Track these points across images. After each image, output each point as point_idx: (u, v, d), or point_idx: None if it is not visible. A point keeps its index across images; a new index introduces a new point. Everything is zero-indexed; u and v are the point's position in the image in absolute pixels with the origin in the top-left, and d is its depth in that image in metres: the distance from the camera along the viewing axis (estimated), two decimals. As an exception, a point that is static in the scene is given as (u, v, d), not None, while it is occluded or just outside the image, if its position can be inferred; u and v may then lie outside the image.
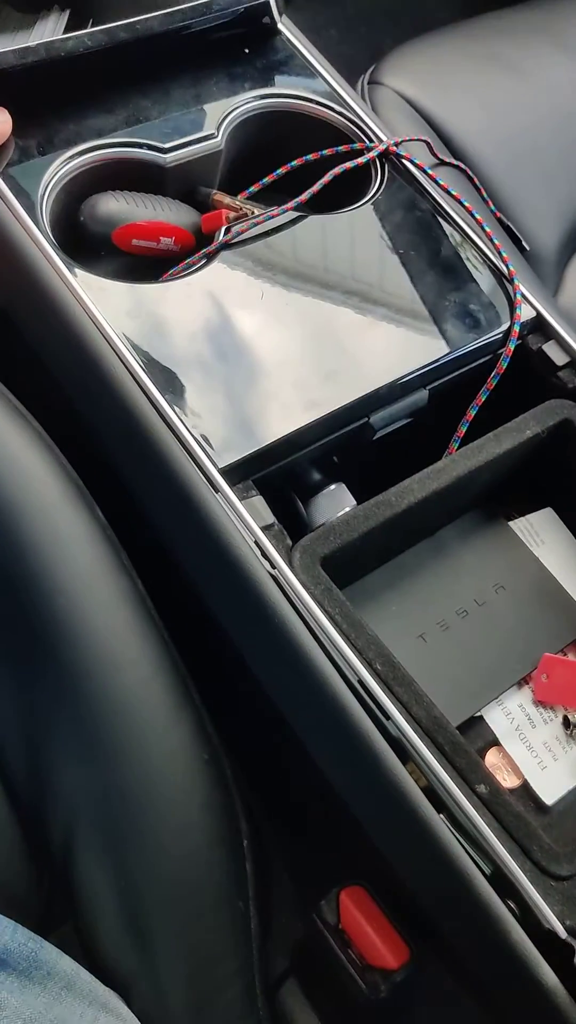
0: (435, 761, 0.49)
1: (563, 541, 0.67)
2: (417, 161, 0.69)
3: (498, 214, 0.83)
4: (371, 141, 0.70)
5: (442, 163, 0.79)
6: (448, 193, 0.68)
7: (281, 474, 0.59)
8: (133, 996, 0.54)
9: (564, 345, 0.64)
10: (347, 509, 0.59)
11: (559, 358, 0.64)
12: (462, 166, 0.81)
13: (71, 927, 0.58)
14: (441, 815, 0.48)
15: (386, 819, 0.49)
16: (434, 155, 0.78)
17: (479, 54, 0.92)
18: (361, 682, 0.50)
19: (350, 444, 0.61)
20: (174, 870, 0.54)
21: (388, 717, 0.49)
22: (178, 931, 0.54)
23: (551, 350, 0.64)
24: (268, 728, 0.60)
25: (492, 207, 0.82)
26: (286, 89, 0.71)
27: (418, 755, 0.49)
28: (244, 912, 0.56)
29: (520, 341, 0.65)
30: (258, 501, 0.54)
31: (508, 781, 0.58)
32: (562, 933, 0.45)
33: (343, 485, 0.62)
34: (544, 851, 0.48)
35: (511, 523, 0.67)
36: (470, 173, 0.81)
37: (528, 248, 0.84)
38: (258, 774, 0.64)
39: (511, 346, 0.64)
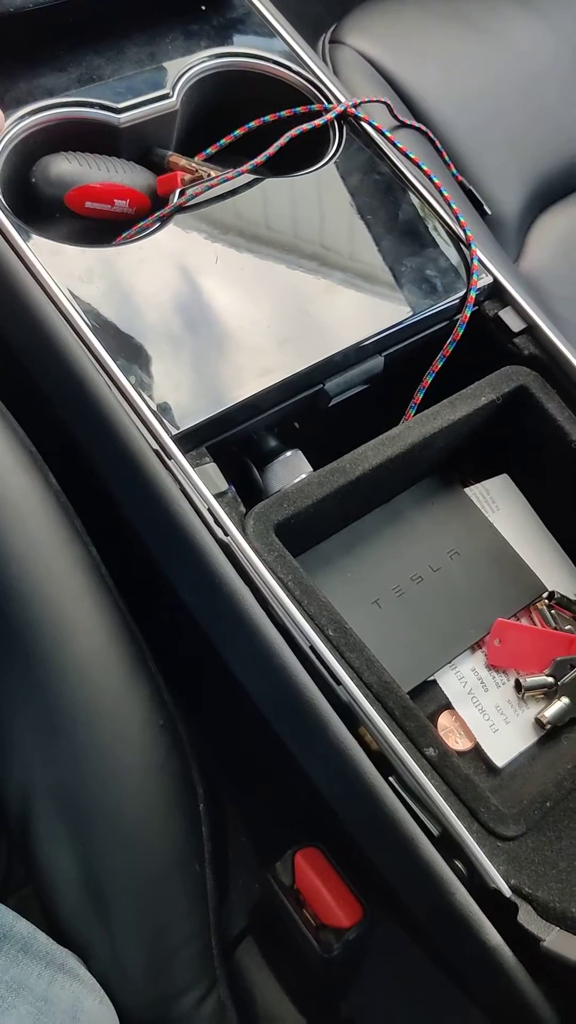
0: (385, 725, 0.49)
1: (518, 507, 0.67)
2: (376, 123, 0.69)
3: (459, 177, 0.82)
4: (329, 102, 0.69)
5: (403, 125, 0.79)
6: (407, 156, 0.68)
7: (236, 441, 0.59)
8: (91, 957, 0.55)
9: (520, 311, 0.64)
10: (303, 476, 0.59)
11: (515, 324, 0.64)
12: (423, 128, 0.80)
13: (31, 889, 0.59)
14: (391, 778, 0.49)
15: (337, 783, 0.50)
16: (395, 117, 0.77)
17: (443, 13, 0.90)
18: (313, 648, 0.50)
19: (306, 411, 0.61)
20: (129, 834, 0.54)
21: (339, 682, 0.50)
22: (134, 894, 0.55)
23: (507, 316, 0.64)
24: (226, 694, 0.61)
25: (453, 170, 0.82)
26: (243, 48, 0.70)
27: (368, 719, 0.49)
28: (200, 874, 0.57)
29: (477, 307, 0.65)
30: (211, 468, 0.54)
31: (460, 744, 0.59)
32: (507, 892, 0.47)
33: (299, 452, 0.62)
34: (491, 812, 0.49)
35: (467, 489, 0.67)
36: (431, 135, 0.80)
37: (490, 212, 0.83)
38: (217, 738, 0.64)
39: (467, 312, 0.63)
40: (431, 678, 0.60)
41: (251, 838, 0.64)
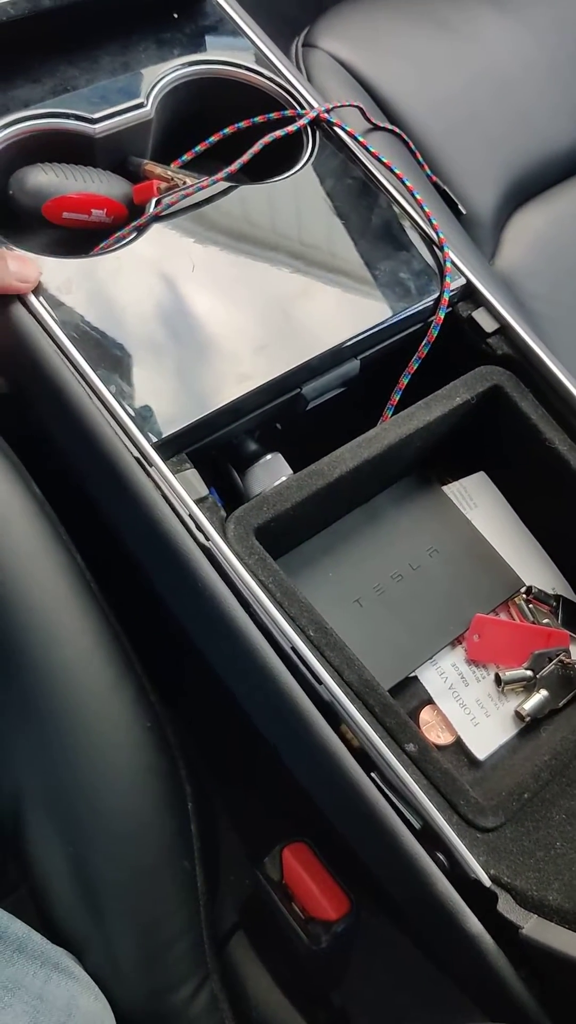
0: (365, 723, 0.50)
1: (495, 504, 0.69)
2: (348, 128, 0.70)
3: (434, 178, 0.83)
4: (302, 108, 0.70)
5: (376, 128, 0.79)
6: (379, 160, 0.68)
7: (217, 446, 0.60)
8: (86, 956, 0.56)
9: (493, 312, 0.66)
10: (283, 479, 0.60)
11: (488, 325, 0.65)
12: (397, 131, 0.81)
13: (26, 890, 0.60)
14: (372, 774, 0.50)
15: (321, 779, 0.51)
16: (368, 120, 0.78)
17: (416, 14, 0.91)
18: (294, 648, 0.51)
19: (284, 415, 0.62)
20: (119, 833, 0.56)
21: (320, 682, 0.51)
22: (125, 891, 0.56)
23: (481, 317, 0.66)
24: (212, 695, 0.62)
25: (428, 171, 0.83)
26: (216, 55, 0.70)
27: (349, 717, 0.50)
28: (190, 871, 0.58)
29: (451, 308, 0.66)
30: (191, 474, 0.55)
31: (442, 738, 0.60)
32: (486, 882, 0.48)
33: (279, 455, 0.63)
34: (471, 805, 0.50)
35: (445, 488, 0.68)
36: (405, 137, 0.81)
37: (464, 212, 0.85)
38: (205, 738, 0.66)
39: (441, 314, 0.65)
40: (412, 674, 0.62)
41: (241, 834, 0.66)
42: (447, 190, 0.83)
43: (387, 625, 0.62)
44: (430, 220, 0.67)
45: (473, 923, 0.46)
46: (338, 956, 0.58)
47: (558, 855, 0.48)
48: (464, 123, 0.88)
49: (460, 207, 0.84)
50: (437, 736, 0.60)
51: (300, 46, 0.86)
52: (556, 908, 0.46)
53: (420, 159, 0.82)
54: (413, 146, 0.82)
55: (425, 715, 0.61)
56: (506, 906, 0.47)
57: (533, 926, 0.46)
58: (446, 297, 0.65)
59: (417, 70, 0.88)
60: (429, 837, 0.50)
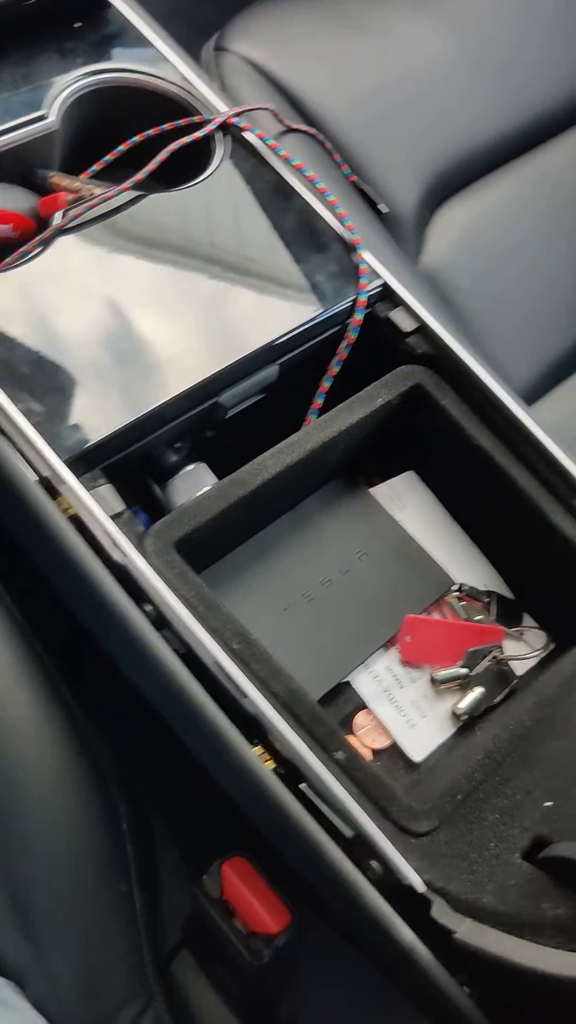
0: (293, 733, 0.50)
1: (425, 502, 0.68)
2: (257, 131, 0.69)
3: (353, 178, 0.83)
4: (210, 113, 0.69)
5: (291, 130, 0.79)
6: (289, 162, 0.68)
7: (136, 459, 0.59)
8: (27, 985, 0.55)
9: (411, 311, 0.65)
10: (207, 489, 0.59)
11: (407, 324, 0.65)
12: (311, 131, 0.80)
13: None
14: (302, 785, 0.50)
15: (247, 796, 0.50)
16: (281, 122, 0.77)
17: (330, 14, 0.91)
18: (217, 663, 0.51)
19: (204, 424, 0.61)
20: (51, 860, 0.55)
21: (245, 695, 0.50)
22: (62, 918, 0.55)
23: (398, 317, 0.65)
24: (142, 714, 0.61)
25: (346, 171, 0.82)
26: (121, 63, 0.69)
27: (276, 729, 0.50)
28: (127, 893, 0.57)
29: (368, 310, 0.65)
30: (106, 490, 0.54)
31: (378, 742, 0.60)
32: (420, 887, 0.47)
33: (203, 465, 0.63)
34: (403, 810, 0.50)
35: (374, 489, 0.68)
36: (321, 138, 0.81)
37: (386, 210, 0.84)
38: (139, 755, 0.65)
39: (358, 316, 0.64)
40: (346, 679, 0.61)
41: (180, 852, 0.65)
42: (367, 189, 0.83)
43: (318, 632, 0.61)
44: (343, 221, 0.67)
45: (405, 932, 0.46)
46: (282, 969, 0.58)
47: (491, 856, 0.48)
48: (383, 121, 0.88)
49: (381, 206, 0.84)
50: (373, 740, 0.60)
51: (212, 50, 0.85)
52: (490, 910, 0.45)
53: (338, 159, 0.82)
54: (330, 146, 0.81)
55: (360, 720, 0.60)
56: (440, 911, 0.46)
57: (467, 930, 0.45)
58: (363, 299, 0.64)
59: (333, 70, 0.88)
60: (362, 845, 0.49)
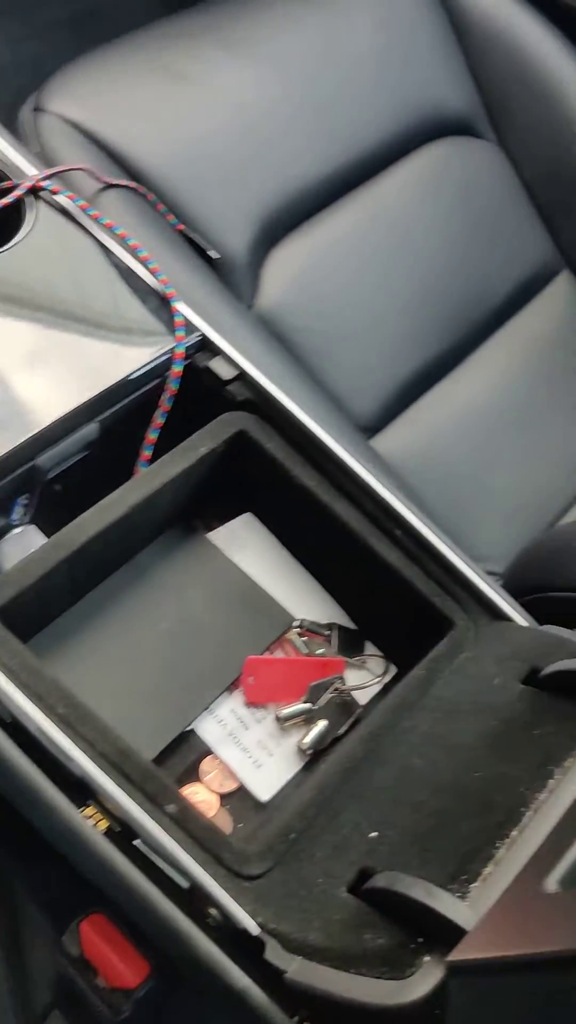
0: (122, 793, 0.50)
1: (264, 543, 0.70)
2: (68, 193, 0.70)
3: (180, 227, 0.84)
4: (20, 178, 0.70)
5: (111, 186, 0.80)
6: (99, 222, 0.69)
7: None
8: None
9: (229, 360, 0.67)
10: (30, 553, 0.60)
11: (226, 373, 0.66)
12: (133, 185, 0.82)
13: None
14: (136, 842, 0.50)
15: (81, 858, 0.50)
16: (99, 180, 0.79)
17: (148, 66, 0.93)
18: (40, 729, 0.51)
19: (24, 488, 0.61)
20: None
21: (71, 759, 0.50)
22: None
23: (217, 366, 0.67)
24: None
25: (173, 221, 0.84)
26: None
27: (103, 790, 0.50)
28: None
29: (187, 361, 0.66)
30: None
31: (225, 786, 0.61)
32: (254, 930, 0.48)
33: (32, 527, 0.63)
34: (235, 855, 0.51)
35: (212, 534, 0.69)
36: (143, 191, 0.82)
37: (217, 256, 0.86)
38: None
39: (177, 368, 0.65)
40: (190, 727, 0.62)
41: (43, 912, 0.64)
42: (195, 238, 0.85)
43: (159, 684, 0.62)
44: (157, 276, 0.68)
45: (239, 977, 0.47)
46: (146, 1021, 0.58)
47: (319, 892, 0.48)
48: (209, 169, 0.90)
49: (211, 253, 0.85)
50: (220, 785, 0.61)
51: (30, 112, 0.86)
52: (317, 947, 0.46)
53: (163, 210, 0.83)
54: (153, 199, 0.83)
55: (205, 766, 0.61)
56: (272, 952, 0.47)
57: (297, 969, 0.46)
58: (181, 351, 0.65)
59: (155, 123, 0.89)
60: (199, 894, 0.50)
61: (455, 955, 0.36)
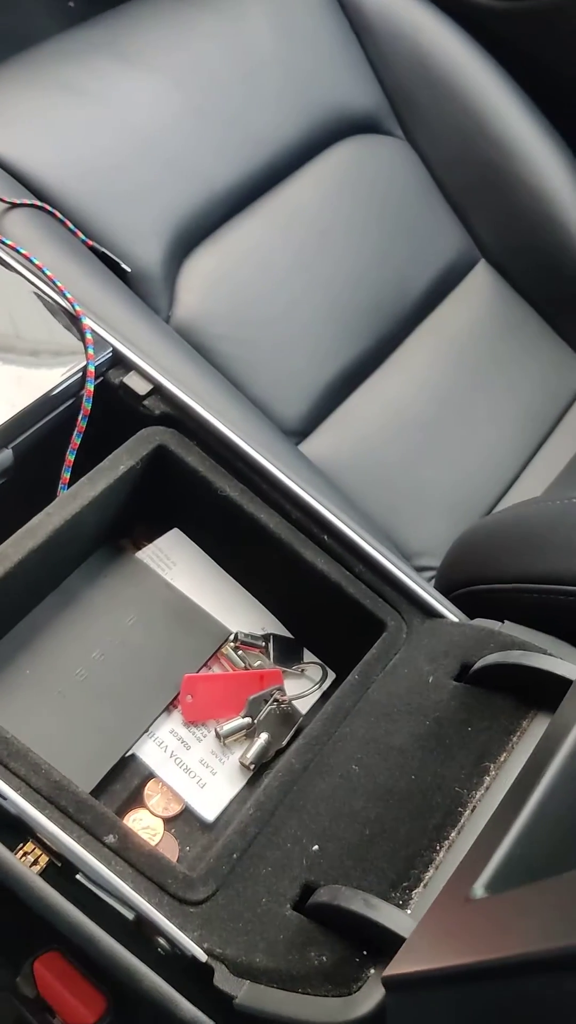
0: (57, 828, 0.49)
1: (193, 558, 0.69)
2: (-34, 216, 0.68)
3: (90, 243, 0.83)
4: None
5: (15, 205, 0.79)
6: (1, 243, 0.68)
7: None
8: None
9: (144, 374, 0.66)
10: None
11: (141, 387, 0.65)
12: (38, 204, 0.80)
13: None
14: (78, 875, 0.49)
15: (24, 898, 0.49)
16: (2, 201, 0.77)
17: (44, 83, 0.91)
18: (-31, 770, 0.49)
19: None
20: None
21: (5, 797, 0.49)
22: None
23: (132, 381, 0.66)
24: None
25: (82, 237, 0.83)
26: None
27: (38, 826, 0.49)
28: None
29: (100, 378, 0.65)
30: None
31: (170, 809, 0.60)
32: (202, 957, 0.47)
33: (-48, 561, 0.61)
34: (178, 881, 0.50)
35: (140, 552, 0.68)
36: (49, 209, 0.81)
37: (129, 270, 0.85)
38: None
39: (90, 386, 0.64)
40: (130, 752, 0.61)
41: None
42: (106, 252, 0.83)
43: (96, 710, 0.61)
44: (64, 294, 0.67)
45: (188, 1009, 0.46)
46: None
47: (263, 912, 0.48)
48: (116, 182, 0.89)
49: (123, 266, 0.84)
50: (165, 808, 0.60)
51: None
52: (263, 969, 0.45)
53: (71, 227, 0.82)
54: (60, 216, 0.81)
55: (149, 790, 0.60)
56: (221, 977, 0.46)
57: (246, 993, 0.45)
58: (91, 368, 0.64)
59: (56, 139, 0.88)
60: (146, 925, 0.49)
61: (389, 970, 0.35)
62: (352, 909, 0.43)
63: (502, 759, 0.50)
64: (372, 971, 0.42)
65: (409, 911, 0.43)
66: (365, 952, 0.43)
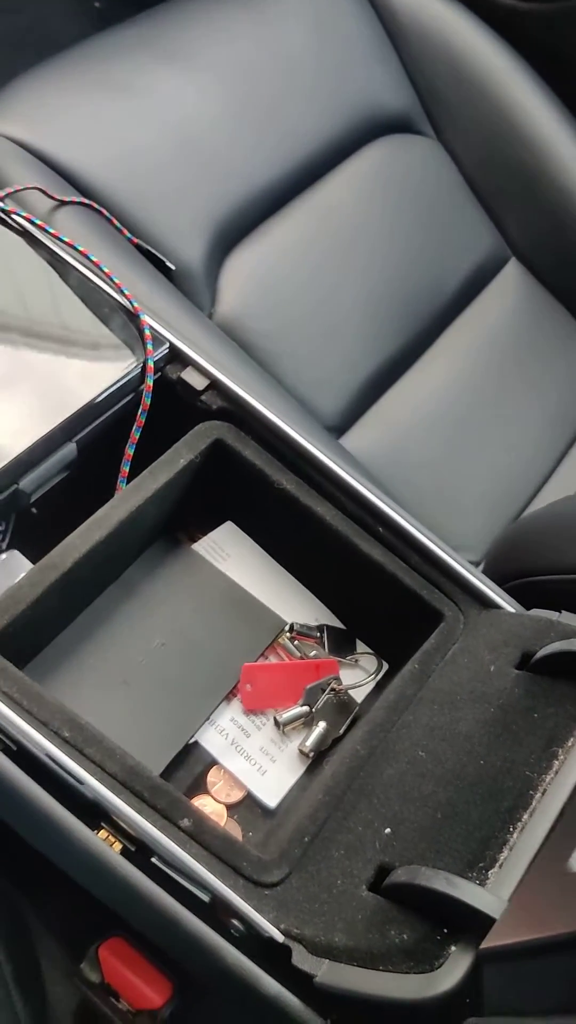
0: (134, 812, 0.50)
1: (247, 551, 0.70)
2: (24, 213, 0.69)
3: (135, 241, 0.84)
4: (-27, 202, 0.70)
5: (64, 203, 0.80)
6: (60, 240, 0.69)
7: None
8: None
9: (201, 369, 0.67)
10: (19, 578, 0.59)
11: (198, 383, 0.67)
12: (87, 202, 0.81)
13: None
14: (154, 859, 0.50)
15: (101, 883, 0.50)
16: (52, 198, 0.78)
17: (91, 83, 0.92)
18: (49, 755, 0.50)
19: (9, 512, 0.61)
20: None
21: (82, 782, 0.50)
22: None
23: (190, 376, 0.67)
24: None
25: (128, 235, 0.84)
26: None
27: (116, 810, 0.50)
28: (4, 999, 0.56)
29: (158, 374, 0.66)
30: None
31: (232, 796, 0.61)
32: (279, 938, 0.48)
33: (15, 553, 0.62)
34: (253, 864, 0.51)
35: (196, 544, 0.69)
36: (96, 207, 0.82)
37: (174, 268, 0.86)
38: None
39: (149, 381, 0.65)
40: (193, 740, 0.62)
41: (59, 942, 0.64)
42: (152, 250, 0.85)
43: (159, 698, 0.62)
44: (123, 291, 0.68)
45: (270, 985, 0.47)
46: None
47: (339, 893, 0.49)
48: (158, 180, 0.90)
49: (168, 264, 0.85)
50: (227, 795, 0.61)
51: (-24, 134, 0.85)
52: (343, 948, 0.47)
53: (117, 225, 0.83)
54: (108, 214, 0.83)
55: (212, 777, 0.61)
56: (300, 957, 0.47)
57: (326, 972, 0.46)
58: (151, 364, 0.65)
59: (102, 138, 0.89)
60: (221, 907, 0.50)
61: (487, 943, 0.36)
62: (435, 888, 0.44)
63: (570, 744, 0.51)
64: (453, 948, 0.44)
65: (487, 889, 0.44)
66: (445, 930, 0.45)
